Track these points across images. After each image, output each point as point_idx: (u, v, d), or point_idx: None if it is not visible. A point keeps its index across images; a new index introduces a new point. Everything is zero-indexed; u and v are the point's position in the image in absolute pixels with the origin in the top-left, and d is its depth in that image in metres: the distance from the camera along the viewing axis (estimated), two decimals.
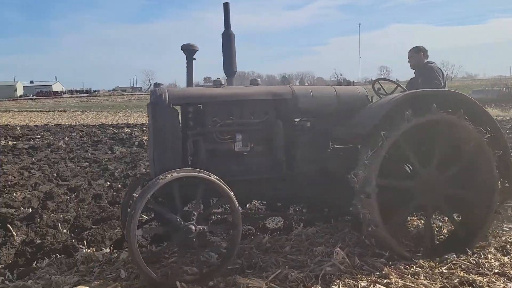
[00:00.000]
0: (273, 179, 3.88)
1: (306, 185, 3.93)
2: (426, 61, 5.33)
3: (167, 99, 3.59)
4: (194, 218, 3.27)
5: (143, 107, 42.82)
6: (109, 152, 11.64)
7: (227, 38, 4.22)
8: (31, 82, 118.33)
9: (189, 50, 3.98)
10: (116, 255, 4.01)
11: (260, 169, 3.86)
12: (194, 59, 4.05)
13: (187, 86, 4.04)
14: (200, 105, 3.86)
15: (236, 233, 3.40)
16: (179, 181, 3.27)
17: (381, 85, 4.82)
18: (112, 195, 6.43)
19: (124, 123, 22.34)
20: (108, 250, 4.17)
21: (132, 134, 15.92)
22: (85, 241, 4.31)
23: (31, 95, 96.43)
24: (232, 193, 3.36)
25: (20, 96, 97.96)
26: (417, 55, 5.36)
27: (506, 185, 3.80)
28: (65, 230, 4.89)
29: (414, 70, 5.41)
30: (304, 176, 3.92)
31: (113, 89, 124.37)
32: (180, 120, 3.75)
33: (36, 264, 3.88)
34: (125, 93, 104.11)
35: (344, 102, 4.00)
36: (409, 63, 5.43)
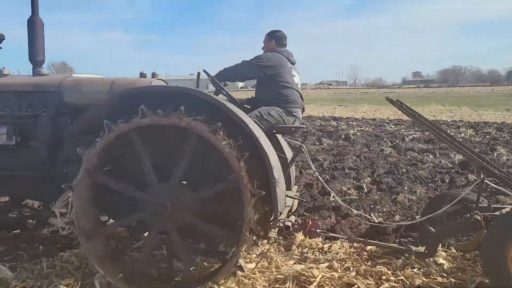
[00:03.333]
0: (37, 178, 3.61)
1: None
2: (278, 49, 4.20)
3: None
4: None
5: (348, 101, 43.10)
6: (317, 143, 12.10)
7: (33, 25, 4.02)
8: None
9: None
10: (328, 244, 4.10)
11: (26, 165, 3.62)
12: (0, 47, 4.01)
13: None
14: None
15: None
16: None
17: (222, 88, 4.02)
18: (321, 185, 6.63)
19: (330, 116, 22.90)
20: (320, 239, 4.30)
21: (339, 127, 16.20)
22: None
23: (249, 87, 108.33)
24: None
25: (241, 87, 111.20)
26: (268, 42, 4.30)
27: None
28: None
29: None
30: (67, 177, 3.38)
31: (320, 83, 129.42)
32: None
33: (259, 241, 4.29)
34: (331, 87, 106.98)
35: (117, 97, 3.28)
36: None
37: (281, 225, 3.02)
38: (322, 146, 11.39)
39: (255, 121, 3.45)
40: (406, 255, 3.69)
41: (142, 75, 3.85)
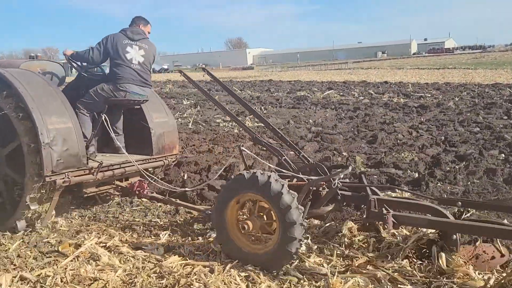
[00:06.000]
0: None
1: None
2: (123, 28, 4.64)
3: None
4: None
5: None
6: (505, 117, 10.15)
7: None
8: (425, 39, 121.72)
9: None
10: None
11: None
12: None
13: None
14: None
15: None
16: None
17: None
18: (508, 171, 5.42)
19: None
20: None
21: None
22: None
23: (423, 53, 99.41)
24: None
25: (414, 53, 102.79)
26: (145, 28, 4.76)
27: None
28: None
29: None
30: None
31: (511, 44, 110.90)
32: None
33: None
34: None
35: None
36: None
37: (47, 180, 3.51)
38: None
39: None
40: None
41: (31, 57, 4.41)
